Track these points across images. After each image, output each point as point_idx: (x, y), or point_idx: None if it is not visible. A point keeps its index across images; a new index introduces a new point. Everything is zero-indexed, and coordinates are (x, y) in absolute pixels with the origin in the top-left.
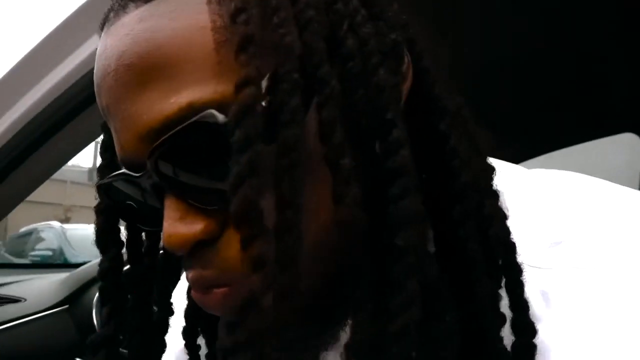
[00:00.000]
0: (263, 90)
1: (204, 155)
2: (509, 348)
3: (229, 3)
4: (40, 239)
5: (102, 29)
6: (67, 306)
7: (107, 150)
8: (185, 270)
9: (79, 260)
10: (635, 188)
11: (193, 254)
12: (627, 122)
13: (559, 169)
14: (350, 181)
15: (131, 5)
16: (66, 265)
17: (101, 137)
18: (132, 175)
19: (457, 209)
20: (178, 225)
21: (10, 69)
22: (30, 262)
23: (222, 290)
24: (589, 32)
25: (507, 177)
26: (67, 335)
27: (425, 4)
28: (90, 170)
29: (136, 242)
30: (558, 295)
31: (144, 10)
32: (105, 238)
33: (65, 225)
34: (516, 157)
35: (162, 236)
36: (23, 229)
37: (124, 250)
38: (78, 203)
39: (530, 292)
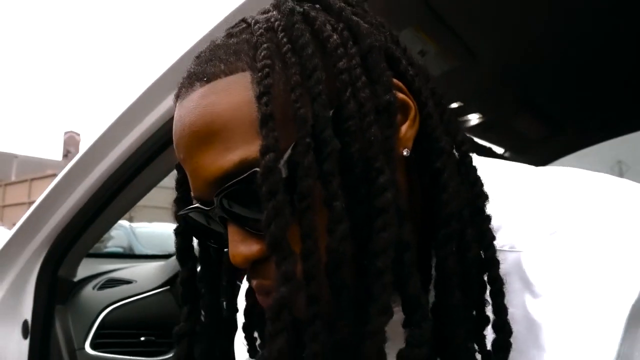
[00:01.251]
0: (289, 151)
1: (254, 196)
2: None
3: (260, 80)
4: (111, 237)
5: (176, 100)
6: (168, 287)
7: (181, 186)
8: (249, 280)
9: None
10: None
11: (253, 268)
12: None
13: (600, 162)
14: (341, 219)
15: (197, 84)
16: (141, 256)
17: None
18: (204, 209)
19: (441, 233)
20: (240, 247)
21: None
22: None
23: None
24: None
25: (514, 178)
26: (171, 310)
27: None
28: None
29: (206, 257)
30: (557, 276)
31: (206, 88)
32: (183, 254)
33: (133, 224)
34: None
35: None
36: None
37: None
38: (141, 203)
39: (535, 274)
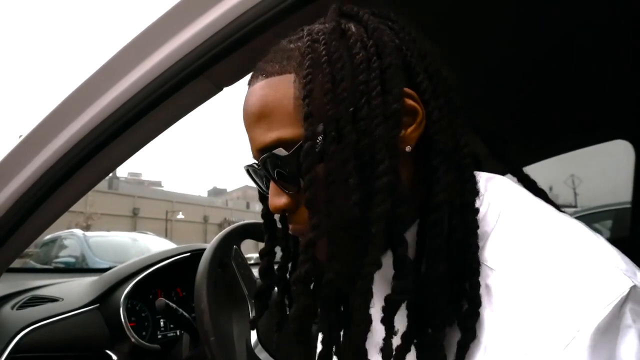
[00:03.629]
0: (320, 137)
1: (282, 164)
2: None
3: (303, 86)
4: (64, 246)
5: (249, 86)
6: (97, 305)
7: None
8: (289, 226)
9: (100, 266)
10: (629, 194)
11: (287, 215)
12: (619, 130)
13: (555, 175)
14: (354, 191)
15: (260, 77)
16: (89, 270)
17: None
18: (256, 168)
19: (431, 217)
20: (274, 199)
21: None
22: (54, 268)
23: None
24: (580, 38)
25: (521, 210)
26: (98, 330)
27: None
28: (110, 179)
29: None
30: (505, 258)
31: (264, 82)
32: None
33: (87, 233)
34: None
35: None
36: (47, 237)
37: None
38: (99, 211)
39: (490, 256)
